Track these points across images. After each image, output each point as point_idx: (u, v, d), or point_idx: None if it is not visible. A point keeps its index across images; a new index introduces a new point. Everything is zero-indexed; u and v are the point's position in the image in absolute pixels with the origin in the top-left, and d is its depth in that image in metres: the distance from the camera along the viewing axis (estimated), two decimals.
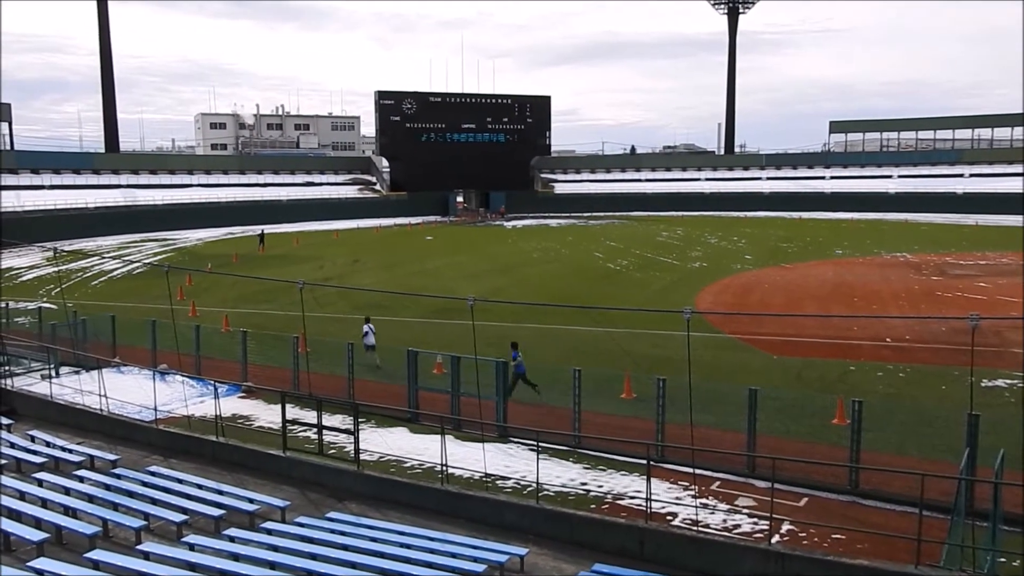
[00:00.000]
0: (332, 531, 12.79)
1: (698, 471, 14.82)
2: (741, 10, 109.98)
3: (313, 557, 11.60)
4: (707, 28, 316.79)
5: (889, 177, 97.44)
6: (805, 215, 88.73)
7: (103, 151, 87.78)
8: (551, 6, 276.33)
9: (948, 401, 19.92)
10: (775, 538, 12.74)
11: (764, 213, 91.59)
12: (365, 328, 24.73)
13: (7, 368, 22.63)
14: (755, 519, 13.71)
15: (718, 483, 15.38)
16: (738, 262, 50.41)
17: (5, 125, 75.30)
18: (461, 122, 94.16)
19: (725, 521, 13.77)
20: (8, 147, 75.55)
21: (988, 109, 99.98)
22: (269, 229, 74.90)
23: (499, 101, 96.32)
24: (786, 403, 19.64)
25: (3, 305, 30.48)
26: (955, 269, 45.64)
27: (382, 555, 11.68)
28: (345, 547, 11.94)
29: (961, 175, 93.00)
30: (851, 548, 12.51)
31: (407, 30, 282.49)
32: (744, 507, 14.33)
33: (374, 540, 12.31)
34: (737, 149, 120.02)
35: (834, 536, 13.04)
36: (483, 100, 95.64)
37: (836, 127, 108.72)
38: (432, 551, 11.86)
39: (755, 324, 29.30)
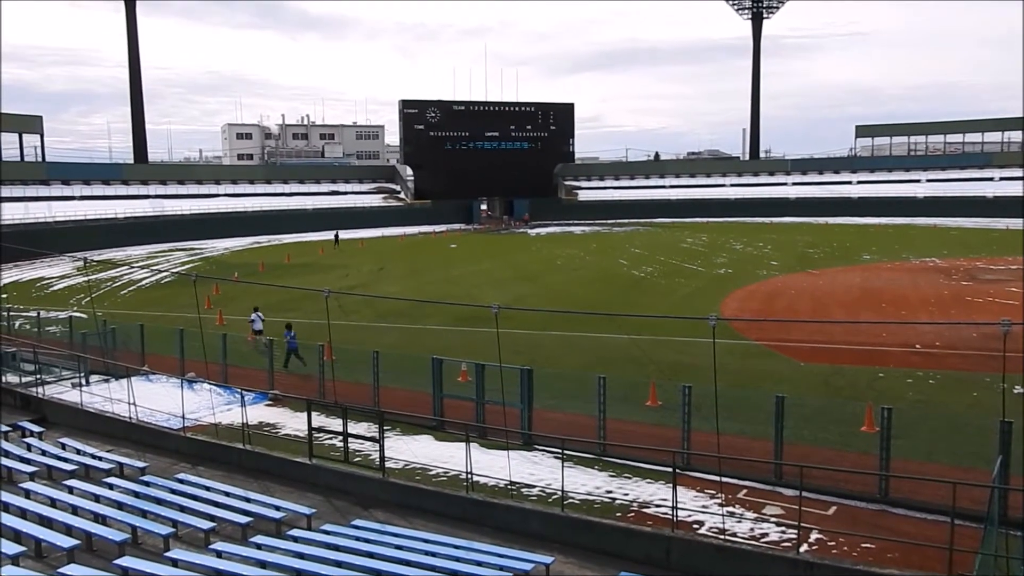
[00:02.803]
0: (358, 539, 12.82)
1: (725, 479, 14.71)
2: (765, 15, 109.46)
3: (339, 564, 11.63)
4: (731, 33, 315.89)
5: (917, 181, 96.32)
6: (832, 220, 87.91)
7: (132, 162, 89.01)
8: (573, 14, 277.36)
9: (980, 408, 19.63)
10: (803, 547, 12.61)
11: (790, 219, 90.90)
12: (253, 316, 28.98)
13: (39, 377, 22.96)
14: (783, 528, 13.57)
15: (745, 491, 15.25)
16: (764, 268, 50.05)
17: (37, 137, 76.57)
18: (485, 130, 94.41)
19: (752, 530, 13.65)
20: (40, 159, 76.80)
21: (1018, 111, 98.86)
22: (294, 238, 75.68)
23: (522, 109, 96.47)
24: (814, 410, 19.44)
25: (35, 314, 30.95)
26: (986, 274, 45.00)
27: (407, 563, 11.69)
28: (371, 555, 11.97)
29: (991, 179, 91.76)
30: (881, 557, 12.35)
31: (429, 39, 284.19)
32: (772, 516, 14.19)
33: (399, 548, 12.33)
34: (762, 154, 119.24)
35: (864, 545, 12.88)
36: (506, 108, 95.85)
37: (863, 131, 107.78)
38: (457, 559, 11.86)
39: (782, 331, 29.05)
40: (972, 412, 19.46)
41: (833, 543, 13.06)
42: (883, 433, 14.76)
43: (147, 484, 15.34)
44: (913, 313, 33.86)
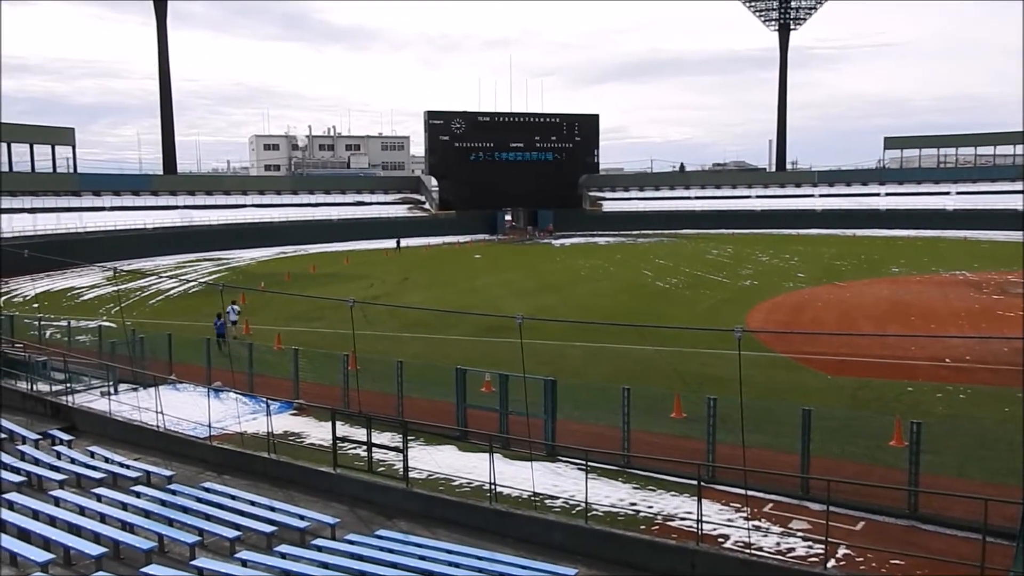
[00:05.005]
0: (381, 548, 12.84)
1: (750, 492, 14.57)
2: (792, 26, 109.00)
3: (362, 574, 11.66)
4: (757, 44, 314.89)
5: (947, 194, 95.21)
6: (859, 233, 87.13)
7: (161, 173, 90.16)
8: (597, 24, 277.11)
9: (1011, 423, 19.30)
10: (831, 563, 12.45)
11: (817, 231, 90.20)
12: (229, 308, 31.54)
13: (68, 385, 23.25)
14: (810, 543, 13.41)
15: (771, 505, 15.10)
16: (790, 280, 49.67)
17: (69, 149, 77.83)
18: (509, 141, 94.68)
19: (779, 544, 13.50)
20: (72, 170, 78.02)
21: None
22: (319, 248, 76.24)
23: (547, 120, 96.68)
24: (841, 424, 19.24)
25: (65, 324, 31.38)
26: (1017, 287, 44.33)
27: (431, 573, 11.69)
28: (394, 565, 11.97)
29: (1022, 191, 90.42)
30: (911, 574, 12.17)
31: (453, 50, 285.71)
32: (798, 530, 14.04)
33: (423, 558, 12.32)
34: (789, 166, 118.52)
35: (892, 561, 12.70)
36: (531, 119, 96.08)
37: (891, 143, 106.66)
38: (481, 570, 11.83)
39: (808, 343, 28.79)
40: (1004, 427, 19.15)
41: (861, 559, 12.89)
42: (912, 447, 14.56)
43: (174, 493, 15.47)
44: (943, 327, 33.41)
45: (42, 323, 31.52)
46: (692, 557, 12.38)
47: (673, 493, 15.81)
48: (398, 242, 78.06)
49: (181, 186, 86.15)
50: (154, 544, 12.99)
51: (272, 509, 14.63)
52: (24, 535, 13.21)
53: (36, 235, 61.22)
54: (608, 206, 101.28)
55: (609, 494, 15.71)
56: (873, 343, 29.39)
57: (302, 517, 14.22)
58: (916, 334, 31.75)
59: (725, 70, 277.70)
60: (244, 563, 12.15)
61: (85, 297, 47.52)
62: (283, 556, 12.44)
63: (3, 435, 19.32)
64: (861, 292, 43.99)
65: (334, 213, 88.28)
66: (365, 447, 16.22)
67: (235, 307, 33.14)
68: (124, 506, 14.72)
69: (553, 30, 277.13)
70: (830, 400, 21.83)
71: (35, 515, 14.09)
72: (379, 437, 17.03)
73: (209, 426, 19.09)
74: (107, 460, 17.79)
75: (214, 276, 56.90)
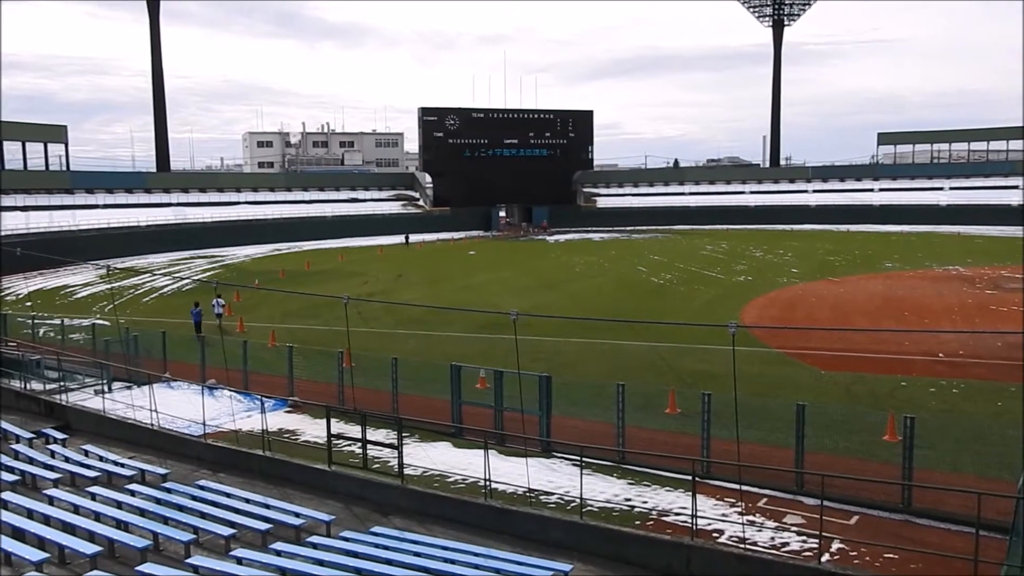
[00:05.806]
0: (377, 545, 12.84)
1: (745, 488, 14.62)
2: (786, 22, 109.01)
3: (358, 571, 11.66)
4: (751, 40, 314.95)
5: (940, 189, 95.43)
6: (853, 228, 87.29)
7: (154, 170, 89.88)
8: (592, 21, 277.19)
9: (1005, 417, 19.40)
10: (825, 557, 12.49)
11: (811, 226, 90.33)
12: (214, 302, 33.71)
13: (62, 384, 23.20)
14: (804, 537, 13.44)
15: (765, 500, 15.14)
16: (784, 276, 49.74)
17: (61, 147, 77.55)
18: (503, 137, 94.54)
19: (773, 539, 13.54)
20: (64, 168, 77.72)
21: None
22: (313, 245, 76.11)
23: (541, 116, 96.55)
24: (835, 419, 19.27)
25: (59, 322, 31.28)
26: (1010, 283, 44.47)
27: (426, 570, 11.70)
28: (389, 562, 11.98)
29: (1016, 187, 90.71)
30: (904, 568, 12.22)
31: (447, 47, 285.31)
32: (792, 525, 14.07)
33: (418, 555, 12.34)
34: (783, 162, 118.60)
35: (886, 556, 12.74)
36: (525, 115, 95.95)
37: (885, 139, 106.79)
38: (476, 567, 11.85)
39: (802, 338, 28.86)
40: (997, 422, 19.23)
41: (855, 553, 12.93)
42: (906, 442, 14.61)
43: (168, 491, 15.45)
44: (936, 322, 33.53)
45: (35, 322, 31.43)
46: (687, 552, 12.42)
47: (668, 488, 15.83)
48: (406, 237, 79.92)
49: (174, 183, 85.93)
50: (149, 542, 12.97)
51: (267, 507, 14.63)
52: (19, 534, 13.19)
53: (29, 233, 61.01)
54: (602, 202, 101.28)
55: (604, 490, 15.73)
56: (867, 338, 29.46)
57: (297, 514, 14.22)
58: (910, 329, 31.84)
59: (719, 66, 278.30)
60: (239, 561, 12.15)
61: (78, 295, 47.37)
62: (278, 554, 12.44)
63: None
64: (855, 287, 44.09)
65: (328, 210, 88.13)
66: (360, 444, 16.20)
67: (220, 300, 34.35)
68: (119, 504, 14.70)
69: (548, 27, 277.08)
70: (824, 395, 21.88)
71: (29, 514, 14.06)
72: (374, 434, 17.03)
73: (204, 424, 19.05)
74: (101, 459, 17.76)
75: (208, 273, 56.76)
